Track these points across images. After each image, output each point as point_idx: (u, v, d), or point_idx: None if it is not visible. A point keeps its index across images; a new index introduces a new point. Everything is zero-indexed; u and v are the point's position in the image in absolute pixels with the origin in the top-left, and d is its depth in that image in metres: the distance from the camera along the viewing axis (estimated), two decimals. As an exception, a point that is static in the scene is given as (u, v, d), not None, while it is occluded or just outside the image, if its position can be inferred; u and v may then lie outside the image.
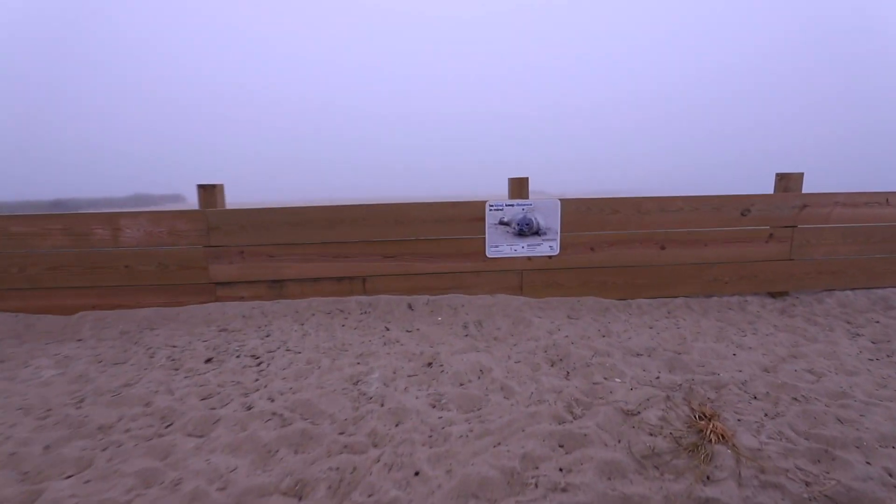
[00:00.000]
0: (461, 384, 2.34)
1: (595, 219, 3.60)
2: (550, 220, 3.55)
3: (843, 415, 2.09)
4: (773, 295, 3.95)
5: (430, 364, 2.56)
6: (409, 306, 3.43)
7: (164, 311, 3.37)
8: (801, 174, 3.81)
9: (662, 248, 3.69)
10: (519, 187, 3.55)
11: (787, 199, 3.76)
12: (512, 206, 3.52)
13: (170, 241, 3.39)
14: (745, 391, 2.31)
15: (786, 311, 3.62)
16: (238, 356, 2.70)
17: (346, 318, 3.25)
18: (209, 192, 3.42)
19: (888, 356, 2.82)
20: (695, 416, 2.03)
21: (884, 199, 3.87)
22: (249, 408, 2.11)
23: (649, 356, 2.70)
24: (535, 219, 3.53)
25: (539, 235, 3.55)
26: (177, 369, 2.55)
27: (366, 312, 3.35)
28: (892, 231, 3.94)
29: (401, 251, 3.51)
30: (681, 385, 2.33)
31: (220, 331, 3.11)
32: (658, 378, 2.40)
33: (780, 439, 1.90)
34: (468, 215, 3.50)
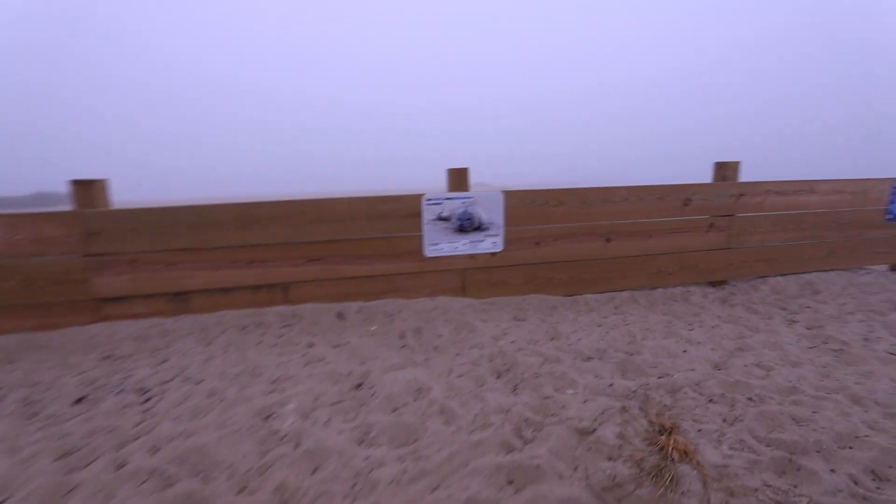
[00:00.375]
0: (395, 409, 2.01)
1: (539, 212, 3.38)
2: (493, 213, 3.28)
3: (798, 413, 1.98)
4: (713, 284, 3.95)
5: (359, 386, 2.20)
6: (340, 315, 3.04)
7: (33, 338, 2.75)
8: (738, 162, 3.81)
9: (608, 240, 3.55)
10: (458, 179, 3.25)
11: (726, 188, 3.75)
12: (451, 199, 3.21)
13: (35, 250, 2.76)
14: (701, 393, 2.16)
15: (727, 301, 3.62)
16: (119, 392, 2.19)
17: (263, 334, 2.80)
18: (86, 190, 2.82)
19: (824, 343, 2.82)
20: (654, 430, 1.83)
21: (809, 187, 3.98)
22: (121, 465, 1.65)
23: (601, 359, 2.51)
24: (477, 213, 3.25)
25: (481, 231, 3.28)
26: (32, 417, 2.01)
27: (288, 325, 2.91)
28: (816, 217, 4.06)
29: (328, 253, 3.10)
30: (635, 391, 2.14)
31: (103, 359, 2.55)
32: (612, 386, 2.20)
33: (743, 449, 1.74)
34: (403, 211, 3.16)
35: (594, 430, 1.83)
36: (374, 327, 2.91)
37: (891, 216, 4.27)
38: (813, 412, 2.01)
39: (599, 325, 3.01)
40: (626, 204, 3.53)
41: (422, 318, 3.02)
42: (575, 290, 3.57)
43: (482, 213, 3.25)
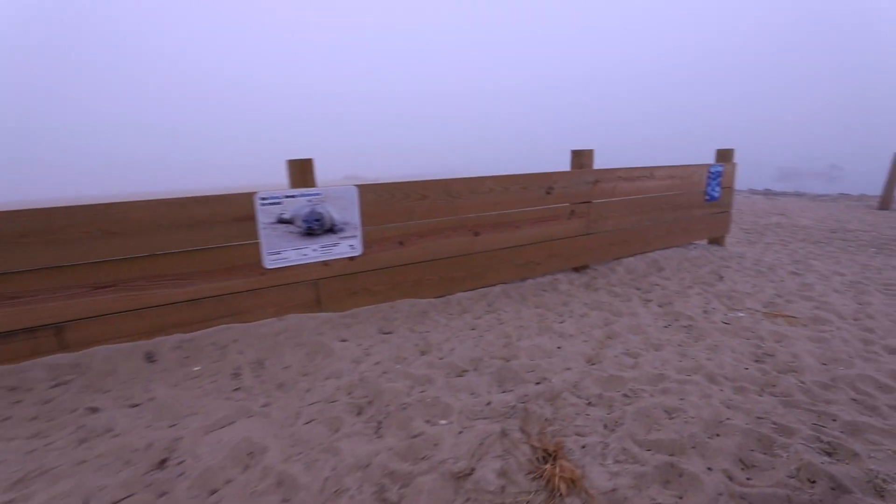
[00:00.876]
0: (212, 493, 1.45)
1: (401, 207, 3.01)
2: (348, 212, 2.81)
3: (668, 403, 1.94)
4: (577, 270, 4.04)
5: (162, 463, 1.58)
6: (149, 357, 2.29)
7: None
8: (592, 150, 3.91)
9: (476, 234, 3.34)
10: (301, 172, 2.71)
11: (584, 175, 3.82)
12: (293, 197, 2.65)
13: None
14: (580, 396, 2.01)
15: (590, 285, 3.70)
16: None
17: (15, 405, 1.94)
18: None
19: (675, 320, 2.98)
20: (537, 458, 1.59)
21: (649, 173, 4.29)
22: None
23: (476, 370, 2.24)
24: (328, 212, 2.74)
25: (335, 233, 2.78)
26: None
27: (62, 383, 2.08)
28: (656, 201, 4.42)
29: (124, 276, 2.31)
30: (514, 407, 1.90)
31: None
32: (489, 405, 1.93)
33: (627, 461, 1.59)
34: (230, 214, 2.50)
35: (472, 470, 1.51)
36: (197, 368, 2.24)
37: (708, 197, 4.87)
38: (681, 399, 1.99)
39: (473, 329, 2.77)
40: (493, 195, 3.35)
41: (265, 347, 2.43)
42: (446, 290, 3.29)
43: (334, 213, 2.76)
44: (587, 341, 2.61)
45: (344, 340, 2.54)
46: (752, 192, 12.78)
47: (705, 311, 3.13)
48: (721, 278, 3.91)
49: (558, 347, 2.51)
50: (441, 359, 2.34)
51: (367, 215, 2.89)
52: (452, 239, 3.24)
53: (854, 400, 2.01)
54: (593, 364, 2.33)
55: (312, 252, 2.74)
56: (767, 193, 12.27)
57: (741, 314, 3.06)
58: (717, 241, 5.23)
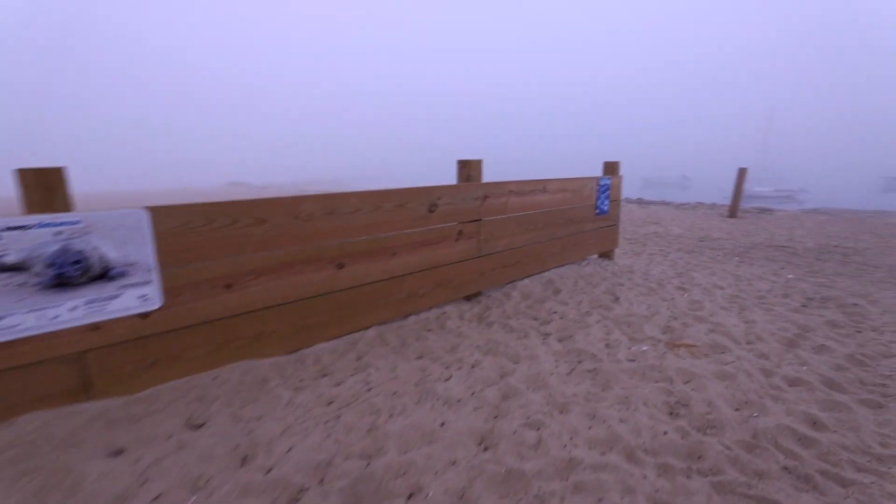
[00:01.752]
0: None
1: (226, 236, 2.16)
2: (132, 247, 1.89)
3: (585, 510, 1.41)
4: (468, 298, 3.51)
5: None
6: None
7: None
8: (480, 161, 3.42)
9: (340, 266, 2.60)
10: (44, 187, 1.74)
11: (471, 190, 3.29)
12: (27, 228, 1.67)
13: None
14: (467, 519, 1.39)
15: (483, 318, 3.17)
16: None
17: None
18: None
19: (579, 361, 2.55)
20: None
21: (542, 186, 3.95)
22: None
23: (320, 486, 1.51)
24: (96, 249, 1.80)
25: (111, 279, 1.85)
26: None
27: None
28: (550, 216, 4.09)
29: None
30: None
31: None
32: (327, 570, 1.21)
33: None
34: None
35: None
36: None
37: (598, 211, 4.72)
38: (599, 502, 1.47)
39: (329, 404, 2.02)
40: (361, 216, 2.65)
41: (-46, 487, 1.42)
42: (301, 342, 2.50)
43: (107, 249, 1.82)
44: (479, 408, 2.03)
45: (117, 453, 1.63)
46: (628, 200, 13.81)
47: (608, 346, 2.77)
48: (617, 299, 3.66)
49: (441, 424, 1.88)
50: (268, 471, 1.56)
51: (170, 251, 1.99)
52: (306, 275, 2.46)
53: (785, 469, 1.67)
54: (486, 449, 1.74)
55: (70, 313, 1.77)
56: (640, 202, 13.33)
57: (645, 347, 2.74)
58: (607, 254, 5.13)
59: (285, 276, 2.37)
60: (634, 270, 4.69)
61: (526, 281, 3.99)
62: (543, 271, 4.22)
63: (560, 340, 2.85)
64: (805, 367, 2.51)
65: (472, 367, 2.43)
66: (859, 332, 3.06)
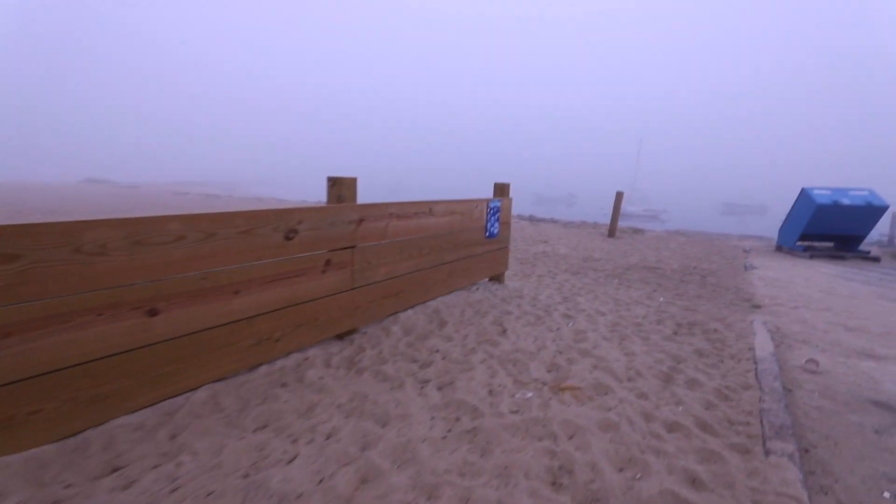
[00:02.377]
0: None
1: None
2: None
3: None
4: (340, 337, 3.02)
5: None
6: None
7: None
8: (354, 179, 2.98)
9: (153, 312, 1.96)
10: None
11: (343, 213, 2.83)
12: None
13: None
14: None
15: (354, 363, 2.71)
16: None
17: None
18: None
19: (458, 419, 2.22)
20: None
21: (428, 208, 3.63)
22: None
23: None
24: None
25: None
26: None
27: None
28: (436, 240, 3.78)
29: None
30: None
31: None
32: None
33: None
34: None
35: None
36: None
37: (488, 234, 4.55)
38: None
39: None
40: (185, 246, 2.04)
41: None
42: (87, 419, 1.82)
43: None
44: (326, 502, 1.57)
45: None
46: (520, 217, 14.35)
47: (491, 393, 2.49)
48: (504, 331, 3.45)
49: (268, 543, 1.39)
50: None
51: None
52: (97, 328, 1.79)
53: (672, 555, 1.48)
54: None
55: None
56: (532, 219, 13.92)
57: (529, 394, 2.51)
58: (497, 278, 4.99)
59: (57, 332, 1.68)
60: (524, 295, 4.59)
61: (410, 312, 3.62)
62: (429, 300, 3.89)
63: (440, 388, 2.51)
64: (681, 408, 2.47)
65: (328, 437, 1.96)
66: (721, 361, 3.19)
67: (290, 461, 1.78)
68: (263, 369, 2.48)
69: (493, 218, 4.56)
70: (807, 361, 3.30)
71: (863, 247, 9.33)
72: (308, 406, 2.19)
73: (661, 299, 4.91)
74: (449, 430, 2.11)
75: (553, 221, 13.71)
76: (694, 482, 1.86)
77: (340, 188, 2.89)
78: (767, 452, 2.09)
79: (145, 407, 2.00)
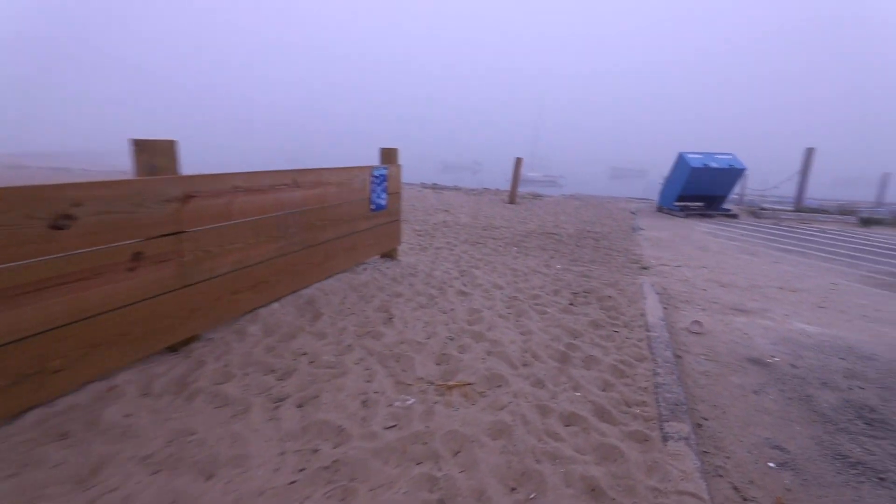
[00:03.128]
0: None
1: None
2: None
3: None
4: (173, 349, 2.34)
5: None
6: None
7: None
8: (172, 142, 2.24)
9: None
10: None
11: (156, 188, 2.10)
12: None
13: None
14: None
15: (186, 385, 2.08)
16: None
17: None
18: None
19: (315, 449, 1.74)
20: None
21: (291, 179, 2.98)
22: None
23: None
24: None
25: None
26: None
27: None
28: (306, 217, 3.16)
29: None
30: None
31: None
32: None
33: None
34: None
35: None
36: None
37: (374, 206, 4.01)
38: None
39: None
40: None
41: None
42: None
43: None
44: None
45: None
46: (424, 185, 13.90)
47: (365, 404, 2.04)
48: (391, 318, 3.01)
49: None
50: None
51: None
52: None
53: None
54: None
55: None
56: (435, 188, 13.54)
57: (410, 400, 2.10)
58: (389, 254, 4.51)
59: None
60: (418, 272, 4.18)
61: (275, 306, 3.00)
62: (303, 288, 3.30)
63: (300, 406, 2.00)
64: (579, 394, 2.25)
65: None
66: (616, 331, 3.08)
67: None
68: (34, 416, 1.75)
69: (378, 188, 4.02)
70: (692, 323, 3.34)
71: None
72: (95, 465, 1.55)
73: (559, 266, 4.82)
74: (302, 470, 1.62)
75: (456, 189, 13.47)
76: (594, 492, 1.60)
77: (152, 155, 2.14)
78: (665, 438, 1.92)
79: None
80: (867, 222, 9.44)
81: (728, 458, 1.94)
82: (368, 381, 2.23)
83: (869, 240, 7.68)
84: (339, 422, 1.88)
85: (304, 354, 2.46)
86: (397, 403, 2.06)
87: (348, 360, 2.42)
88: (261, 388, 2.11)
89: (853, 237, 7.91)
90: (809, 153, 10.51)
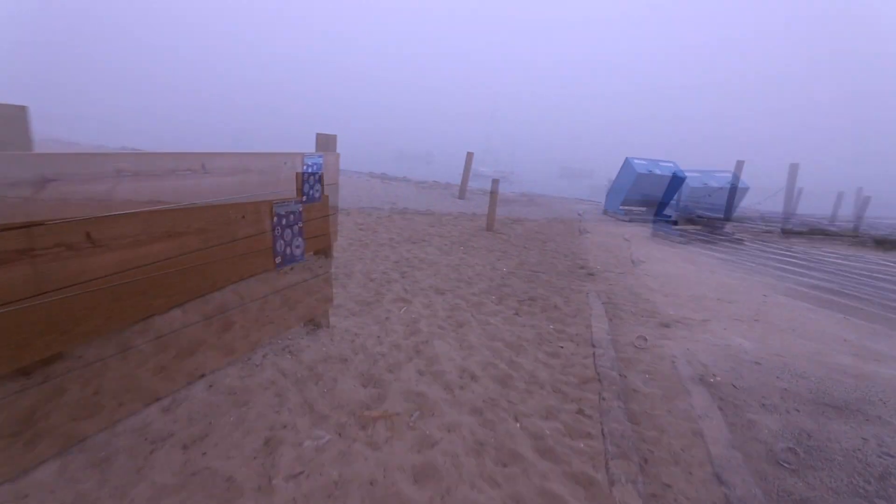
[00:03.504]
0: None
1: None
2: None
3: None
4: (25, 372, 1.85)
5: None
6: None
7: None
8: (22, 107, 1.74)
9: None
10: None
11: (-12, 167, 1.61)
12: None
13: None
14: None
15: (29, 422, 1.63)
16: None
17: None
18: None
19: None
20: None
21: (199, 163, 2.51)
22: None
23: None
24: None
25: None
26: None
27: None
28: (219, 210, 2.70)
29: None
30: None
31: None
32: None
33: None
34: None
35: None
36: None
37: (306, 198, 3.58)
38: None
39: None
40: None
41: None
42: None
43: None
44: None
45: None
46: (372, 175, 13.38)
47: (268, 446, 1.69)
48: (316, 328, 2.66)
49: None
50: None
51: None
52: None
53: None
54: None
55: None
56: (384, 178, 13.07)
57: (326, 437, 1.77)
58: (322, 252, 4.09)
59: None
60: (354, 272, 3.83)
61: (176, 313, 2.54)
62: (214, 292, 2.84)
63: (185, 449, 1.62)
64: (519, 425, 2.02)
65: None
66: (562, 346, 2.91)
67: None
68: None
69: (312, 178, 3.59)
70: (637, 338, 3.23)
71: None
72: None
73: (505, 269, 4.63)
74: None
75: (406, 180, 13.07)
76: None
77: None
78: (612, 482, 1.73)
79: None
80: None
81: (675, 500, 1.79)
82: (277, 412, 1.88)
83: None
84: (229, 472, 1.52)
85: (202, 377, 2.05)
86: (308, 443, 1.73)
87: (254, 383, 2.05)
88: (136, 424, 1.70)
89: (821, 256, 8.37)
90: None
